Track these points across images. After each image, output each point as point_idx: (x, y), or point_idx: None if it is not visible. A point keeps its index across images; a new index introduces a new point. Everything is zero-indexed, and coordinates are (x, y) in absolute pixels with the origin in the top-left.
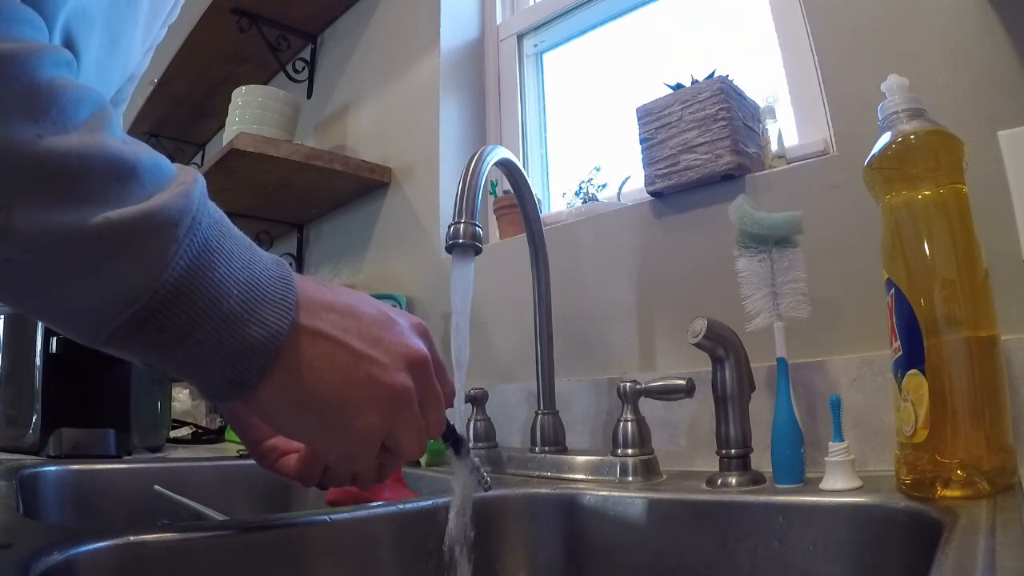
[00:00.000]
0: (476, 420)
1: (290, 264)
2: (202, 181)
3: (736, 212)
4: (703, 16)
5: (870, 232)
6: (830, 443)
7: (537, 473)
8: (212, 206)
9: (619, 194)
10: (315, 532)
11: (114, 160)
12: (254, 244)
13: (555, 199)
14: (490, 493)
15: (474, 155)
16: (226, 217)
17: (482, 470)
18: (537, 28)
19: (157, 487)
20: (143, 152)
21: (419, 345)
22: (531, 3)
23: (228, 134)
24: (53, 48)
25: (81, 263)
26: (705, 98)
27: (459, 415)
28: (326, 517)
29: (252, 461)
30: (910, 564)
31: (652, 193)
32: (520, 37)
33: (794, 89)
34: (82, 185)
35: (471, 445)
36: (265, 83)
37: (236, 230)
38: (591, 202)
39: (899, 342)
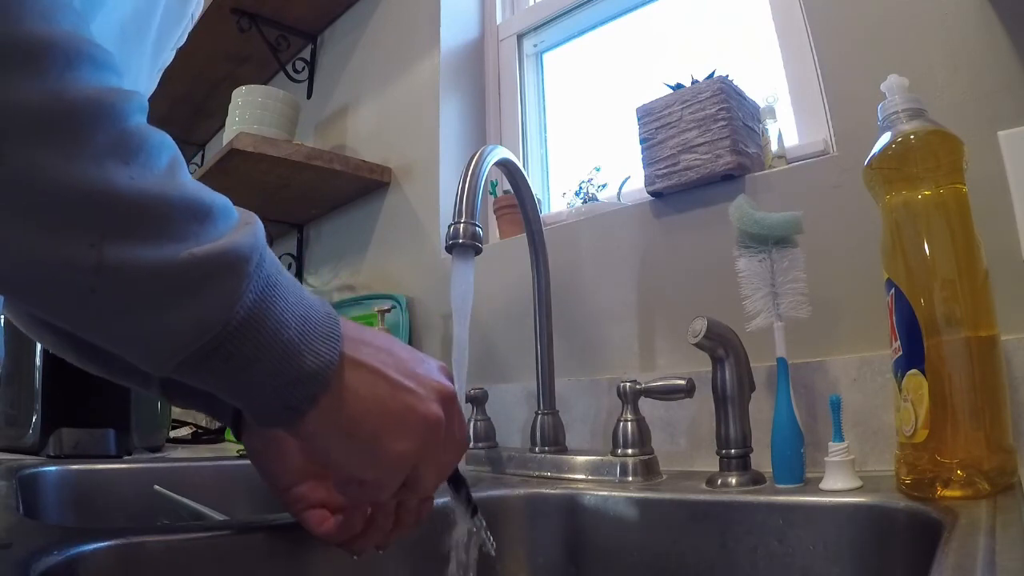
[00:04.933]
0: (476, 420)
1: (289, 265)
2: (260, 222)
3: (736, 212)
4: (703, 16)
5: (870, 232)
6: (830, 443)
7: (537, 473)
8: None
9: (619, 194)
10: None
11: (194, 201)
12: (298, 281)
13: (555, 199)
14: (490, 493)
15: (474, 155)
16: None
17: (486, 531)
18: (537, 28)
19: (157, 487)
20: (214, 194)
21: (447, 382)
22: (531, 3)
23: (228, 134)
24: (137, 94)
25: (163, 296)
26: (705, 98)
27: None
28: None
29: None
30: (910, 564)
31: (652, 193)
32: (520, 37)
33: (794, 89)
34: (169, 224)
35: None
36: (265, 83)
37: (285, 269)
38: (591, 202)
39: (899, 342)
